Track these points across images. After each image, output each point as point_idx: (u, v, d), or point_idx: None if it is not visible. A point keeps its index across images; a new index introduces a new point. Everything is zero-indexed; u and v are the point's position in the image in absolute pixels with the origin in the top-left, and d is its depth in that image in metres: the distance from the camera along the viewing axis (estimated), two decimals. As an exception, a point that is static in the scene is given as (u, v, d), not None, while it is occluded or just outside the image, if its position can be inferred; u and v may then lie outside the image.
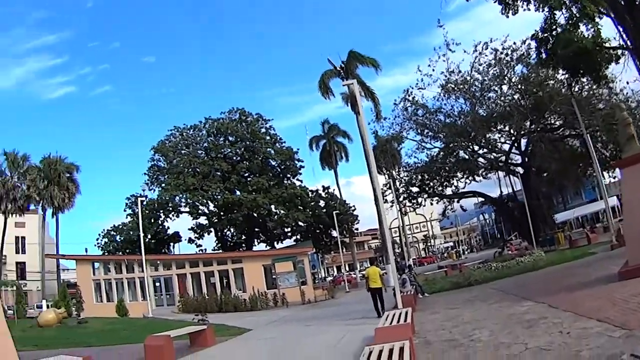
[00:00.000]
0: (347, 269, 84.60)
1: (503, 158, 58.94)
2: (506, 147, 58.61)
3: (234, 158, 70.58)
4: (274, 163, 71.54)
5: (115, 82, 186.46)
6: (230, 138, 70.61)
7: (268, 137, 70.83)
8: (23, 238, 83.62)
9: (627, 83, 46.05)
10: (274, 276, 44.97)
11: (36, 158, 68.07)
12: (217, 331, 20.24)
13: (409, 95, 56.01)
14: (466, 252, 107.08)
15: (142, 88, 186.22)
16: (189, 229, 72.42)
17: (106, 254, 65.92)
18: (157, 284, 52.02)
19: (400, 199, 63.91)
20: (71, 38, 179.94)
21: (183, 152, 70.77)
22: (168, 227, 72.44)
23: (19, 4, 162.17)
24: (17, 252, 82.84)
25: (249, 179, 68.85)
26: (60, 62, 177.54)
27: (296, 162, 71.51)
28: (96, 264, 54.89)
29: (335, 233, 64.86)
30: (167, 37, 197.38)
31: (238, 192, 66.33)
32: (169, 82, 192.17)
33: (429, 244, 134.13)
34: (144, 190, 68.00)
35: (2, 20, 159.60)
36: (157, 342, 15.23)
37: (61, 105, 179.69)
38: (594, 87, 45.92)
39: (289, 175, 71.75)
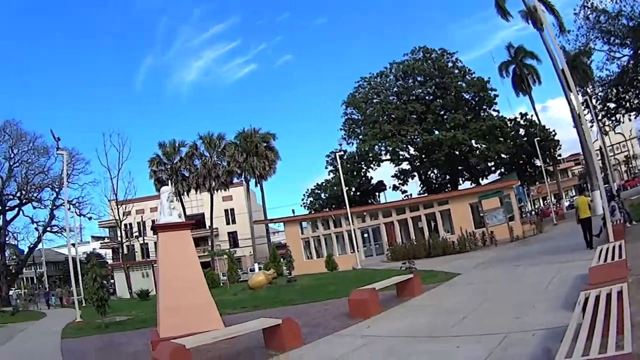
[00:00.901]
0: (553, 199, 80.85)
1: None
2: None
3: (427, 98, 68.87)
4: (467, 96, 68.93)
5: (294, 50, 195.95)
6: (419, 78, 68.88)
7: (457, 71, 68.35)
8: (232, 210, 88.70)
9: None
10: (481, 214, 43.25)
11: (231, 135, 71.63)
12: (425, 278, 19.22)
13: (587, 2, 52.02)
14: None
15: (321, 49, 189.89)
16: (392, 176, 72.97)
17: (312, 212, 67.48)
18: (365, 235, 52.39)
19: (599, 117, 59.62)
20: (238, 22, 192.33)
21: (375, 100, 70.33)
22: (371, 177, 73.05)
23: (178, 8, 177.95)
24: (227, 223, 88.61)
25: (444, 116, 67.40)
26: (234, 45, 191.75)
27: (489, 92, 67.99)
28: (304, 223, 56.63)
29: (538, 162, 61.74)
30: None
31: (436, 132, 64.69)
32: (345, 37, 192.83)
33: (630, 165, 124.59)
34: (341, 145, 68.64)
35: (171, 25, 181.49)
36: (361, 295, 14.59)
37: (247, 83, 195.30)
38: None
39: (484, 107, 68.62)
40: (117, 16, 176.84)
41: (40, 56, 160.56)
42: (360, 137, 69.39)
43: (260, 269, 49.37)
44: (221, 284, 46.50)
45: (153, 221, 74.32)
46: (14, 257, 72.30)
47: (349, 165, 67.49)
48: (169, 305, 14.17)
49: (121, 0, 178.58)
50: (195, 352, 10.24)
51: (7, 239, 62.23)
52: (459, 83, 67.21)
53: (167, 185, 16.27)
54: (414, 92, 69.07)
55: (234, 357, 11.38)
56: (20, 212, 63.06)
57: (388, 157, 69.61)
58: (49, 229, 63.40)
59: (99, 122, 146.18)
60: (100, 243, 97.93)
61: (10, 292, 66.33)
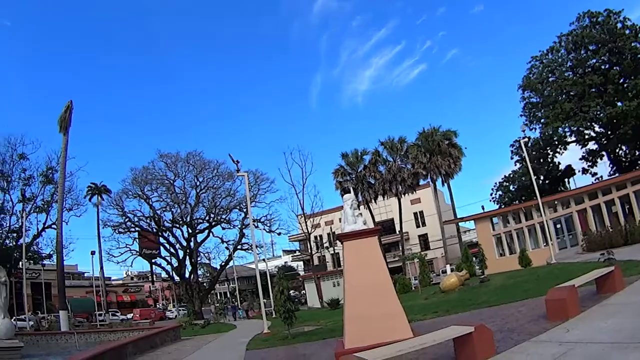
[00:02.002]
0: None
1: None
2: None
3: (602, 67, 64.49)
4: (646, 56, 63.21)
5: (459, 44, 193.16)
6: (591, 47, 64.58)
7: (628, 31, 62.47)
8: (421, 212, 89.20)
9: None
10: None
11: (412, 137, 71.51)
12: (625, 270, 17.80)
13: None
14: None
15: (486, 38, 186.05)
16: (579, 159, 70.29)
17: (502, 206, 66.35)
18: (558, 226, 50.17)
19: None
20: (398, 24, 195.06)
21: (550, 79, 67.68)
22: (559, 163, 71.05)
23: (334, 23, 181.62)
24: (417, 226, 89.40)
25: (625, 84, 62.51)
26: (400, 48, 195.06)
27: (669, 46, 61.92)
28: (494, 219, 55.66)
29: None
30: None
31: (619, 103, 60.62)
32: (504, 19, 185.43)
33: None
34: (524, 132, 66.60)
35: (332, 41, 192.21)
36: (559, 295, 13.51)
37: (420, 82, 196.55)
38: None
39: (665, 65, 62.71)
40: (278, 42, 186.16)
41: (218, 95, 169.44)
42: (542, 120, 67.32)
43: (452, 270, 48.81)
44: (413, 288, 46.48)
45: (342, 231, 75.70)
46: (207, 274, 76.59)
47: (534, 153, 65.69)
48: (355, 315, 13.80)
49: (280, 28, 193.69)
50: (379, 365, 9.94)
51: (199, 258, 67.19)
52: (633, 44, 61.73)
53: (351, 193, 16.25)
54: (588, 63, 65.24)
55: (420, 370, 10.85)
56: (210, 234, 67.62)
57: (573, 138, 66.98)
58: (239, 247, 67.15)
59: (281, 143, 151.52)
60: (292, 256, 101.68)
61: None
